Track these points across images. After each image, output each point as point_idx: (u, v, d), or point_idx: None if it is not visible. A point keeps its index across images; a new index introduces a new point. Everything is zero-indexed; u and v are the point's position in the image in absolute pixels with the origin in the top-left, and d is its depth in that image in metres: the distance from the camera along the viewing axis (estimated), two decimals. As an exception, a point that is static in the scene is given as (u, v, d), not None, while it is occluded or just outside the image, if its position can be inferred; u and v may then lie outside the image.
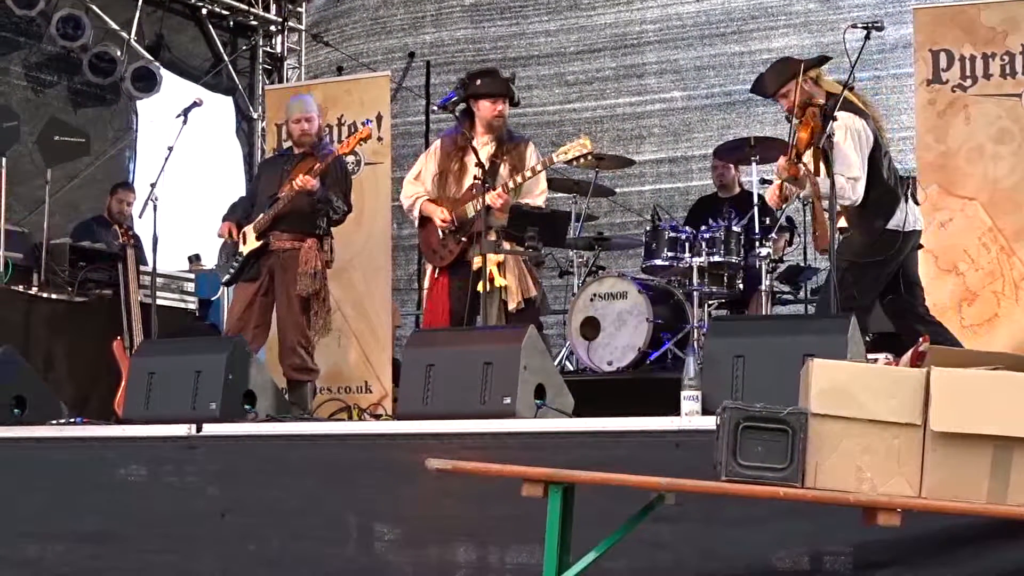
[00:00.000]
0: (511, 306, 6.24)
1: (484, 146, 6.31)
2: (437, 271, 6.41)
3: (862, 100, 5.62)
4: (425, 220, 6.45)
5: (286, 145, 7.48)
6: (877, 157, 5.45)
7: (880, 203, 5.46)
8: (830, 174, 5.19)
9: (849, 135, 5.36)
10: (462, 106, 6.37)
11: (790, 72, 5.47)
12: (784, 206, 5.93)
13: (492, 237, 6.06)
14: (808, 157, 5.41)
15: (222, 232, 6.93)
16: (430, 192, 6.45)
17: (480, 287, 5.99)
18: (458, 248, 6.29)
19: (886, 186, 5.48)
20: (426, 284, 6.58)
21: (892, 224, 5.46)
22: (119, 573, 5.02)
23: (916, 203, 5.60)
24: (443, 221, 6.32)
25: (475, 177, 6.09)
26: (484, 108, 6.34)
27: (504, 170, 6.31)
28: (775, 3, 9.09)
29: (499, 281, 6.13)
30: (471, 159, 6.20)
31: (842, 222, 5.54)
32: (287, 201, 6.67)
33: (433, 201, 6.40)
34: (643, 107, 9.46)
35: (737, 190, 8.01)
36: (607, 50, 9.57)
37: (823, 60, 5.71)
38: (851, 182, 5.35)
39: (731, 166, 7.99)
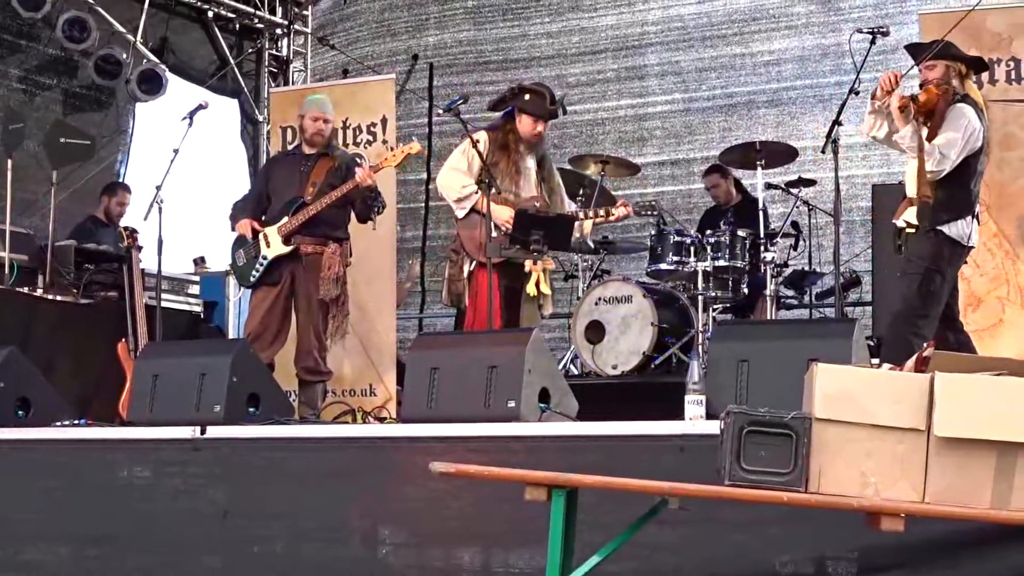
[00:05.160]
0: (546, 313, 6.40)
1: (525, 156, 6.41)
2: (475, 264, 6.35)
3: (989, 116, 5.66)
4: (472, 212, 6.37)
5: (291, 146, 7.46)
6: (974, 165, 5.47)
7: (952, 203, 5.43)
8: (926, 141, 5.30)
9: (966, 125, 5.39)
10: (508, 108, 6.42)
11: (946, 53, 5.53)
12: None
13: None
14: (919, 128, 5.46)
15: (244, 230, 6.79)
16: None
17: (529, 288, 6.18)
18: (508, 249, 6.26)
19: (968, 192, 5.48)
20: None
21: (955, 233, 5.44)
22: (122, 575, 5.03)
23: (979, 223, 5.63)
24: (506, 222, 6.22)
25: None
26: (525, 123, 6.39)
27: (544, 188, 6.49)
28: (776, 5, 9.09)
29: (544, 287, 6.25)
30: (523, 163, 6.35)
31: (911, 217, 5.52)
32: (319, 207, 6.65)
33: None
34: (644, 109, 9.46)
35: (738, 198, 7.99)
36: (608, 52, 9.58)
37: (980, 65, 5.78)
38: (941, 155, 5.37)
39: (720, 180, 7.99)
